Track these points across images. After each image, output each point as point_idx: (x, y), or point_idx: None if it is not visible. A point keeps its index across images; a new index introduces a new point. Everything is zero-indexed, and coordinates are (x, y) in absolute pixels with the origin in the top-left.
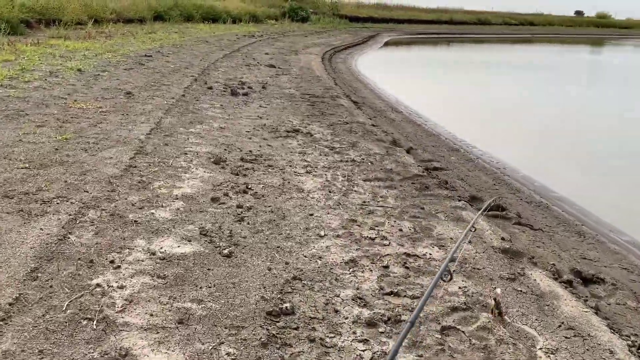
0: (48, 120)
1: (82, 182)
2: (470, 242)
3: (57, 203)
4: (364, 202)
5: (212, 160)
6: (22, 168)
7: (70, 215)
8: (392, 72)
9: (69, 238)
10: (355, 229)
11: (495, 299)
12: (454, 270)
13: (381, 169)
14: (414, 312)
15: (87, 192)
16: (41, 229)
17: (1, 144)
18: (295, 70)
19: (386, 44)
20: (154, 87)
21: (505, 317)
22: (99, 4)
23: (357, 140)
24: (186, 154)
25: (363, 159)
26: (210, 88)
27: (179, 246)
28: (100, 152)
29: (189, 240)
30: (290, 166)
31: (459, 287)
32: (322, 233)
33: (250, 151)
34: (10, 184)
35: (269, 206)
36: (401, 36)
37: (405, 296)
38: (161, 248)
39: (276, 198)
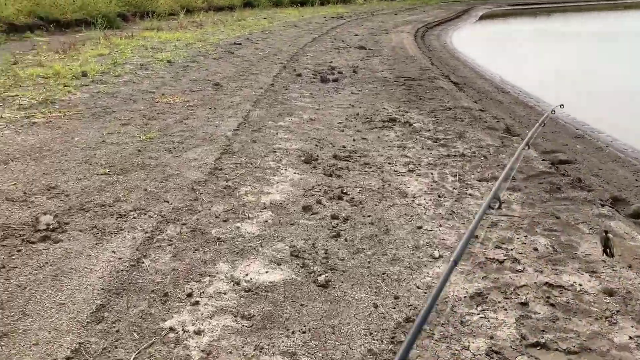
0: (134, 117)
1: (163, 190)
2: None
3: (134, 217)
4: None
5: (302, 159)
6: (101, 174)
7: (146, 233)
8: (491, 48)
9: (142, 263)
10: (476, 248)
11: None
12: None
13: (498, 165)
14: (458, 249)
15: (168, 202)
16: (113, 251)
17: (84, 146)
18: (387, 50)
19: (482, 17)
20: (242, 76)
21: None
22: None
23: (464, 130)
24: (275, 151)
25: (474, 153)
26: (299, 75)
27: (267, 272)
28: (184, 153)
29: (279, 264)
30: (390, 163)
31: None
32: (436, 254)
33: (344, 146)
34: (87, 194)
35: (369, 216)
36: (497, 8)
37: (557, 349)
38: (246, 275)
39: (376, 205)
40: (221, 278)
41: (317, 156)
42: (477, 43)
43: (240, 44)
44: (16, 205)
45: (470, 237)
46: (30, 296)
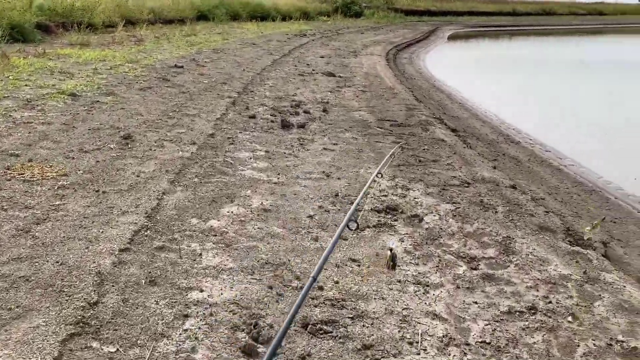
0: None
1: None
2: None
3: None
4: None
5: (245, 334)
6: None
7: None
8: (470, 75)
9: None
10: None
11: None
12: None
13: (601, 331)
14: (317, 266)
15: None
16: None
17: None
18: (360, 79)
19: (449, 38)
20: (171, 120)
21: None
22: (136, 3)
23: (507, 234)
24: (188, 316)
25: (547, 296)
26: (253, 117)
27: None
28: None
29: None
30: (411, 342)
31: None
32: None
33: (322, 286)
34: None
35: None
36: (462, 29)
37: None
38: None
39: None
40: None
41: (269, 324)
42: (454, 69)
43: (182, 66)
44: None
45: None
46: None
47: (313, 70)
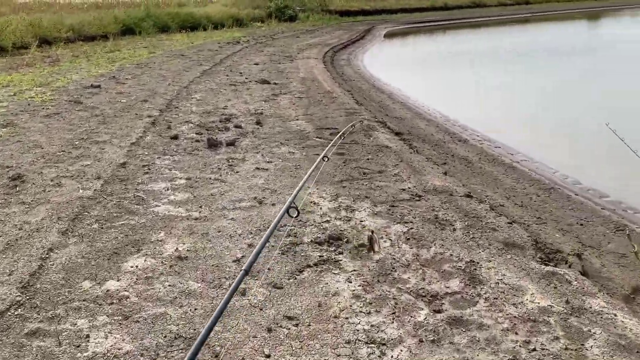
0: None
1: None
2: None
3: None
4: None
5: None
6: None
7: None
8: (407, 72)
9: None
10: None
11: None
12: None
13: None
14: (250, 258)
15: None
16: None
17: None
18: (297, 84)
19: (385, 36)
20: (75, 151)
21: None
22: (52, 21)
23: (471, 256)
24: None
25: (528, 340)
26: (175, 138)
27: None
28: None
29: None
30: None
31: None
32: None
33: None
34: None
35: None
36: (397, 27)
37: None
38: None
39: None
40: None
41: None
42: (392, 66)
43: (98, 86)
44: None
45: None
46: None
47: (246, 79)
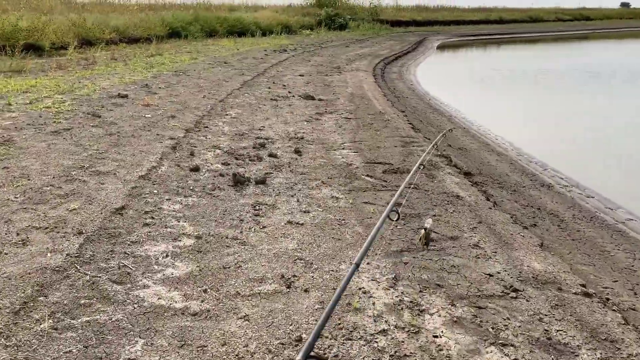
0: None
1: None
2: None
3: None
4: None
5: None
6: None
7: None
8: (464, 89)
9: None
10: None
11: None
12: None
13: None
14: (360, 253)
15: None
16: None
17: None
18: (344, 101)
19: (438, 48)
20: (68, 185)
21: None
22: (98, 20)
23: None
24: None
25: None
26: (196, 170)
27: None
28: None
29: None
30: None
31: None
32: None
33: None
34: None
35: None
36: (450, 39)
37: None
38: None
39: None
40: None
41: None
42: (448, 83)
43: (126, 96)
44: None
45: (372, 241)
46: None
47: (289, 92)
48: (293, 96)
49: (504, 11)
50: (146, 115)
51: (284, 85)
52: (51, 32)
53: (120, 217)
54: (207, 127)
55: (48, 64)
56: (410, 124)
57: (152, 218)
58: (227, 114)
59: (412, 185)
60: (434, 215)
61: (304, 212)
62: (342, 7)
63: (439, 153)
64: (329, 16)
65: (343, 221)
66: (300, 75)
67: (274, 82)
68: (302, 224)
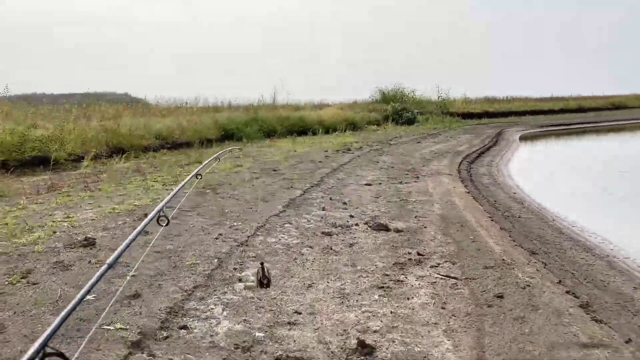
0: None
1: None
2: None
3: None
4: None
5: None
6: None
7: None
8: (578, 196)
9: None
10: None
11: None
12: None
13: None
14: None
15: None
16: None
17: None
18: (434, 233)
19: (520, 140)
20: None
21: None
22: (137, 125)
23: None
24: None
25: None
26: None
27: None
28: None
29: None
30: None
31: None
32: None
33: None
34: None
35: None
36: (529, 130)
37: None
38: None
39: None
40: None
41: None
42: (561, 190)
43: (92, 243)
44: None
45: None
46: None
47: (351, 216)
48: (357, 225)
49: (582, 99)
50: (107, 289)
51: (345, 203)
52: (71, 141)
53: None
54: (195, 315)
55: (46, 181)
56: (573, 295)
57: None
58: (240, 279)
59: None
60: None
61: None
62: (408, 101)
63: None
64: (396, 111)
65: None
66: (366, 185)
67: (331, 199)
68: None
